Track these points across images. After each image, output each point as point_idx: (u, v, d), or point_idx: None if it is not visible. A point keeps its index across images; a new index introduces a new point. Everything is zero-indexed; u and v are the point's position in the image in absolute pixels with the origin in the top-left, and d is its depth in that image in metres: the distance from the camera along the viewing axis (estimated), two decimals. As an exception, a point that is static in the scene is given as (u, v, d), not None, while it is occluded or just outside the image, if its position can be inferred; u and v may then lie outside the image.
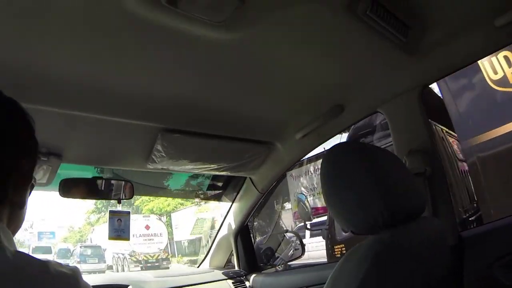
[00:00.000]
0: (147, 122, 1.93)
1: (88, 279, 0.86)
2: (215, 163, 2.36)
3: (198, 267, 3.19)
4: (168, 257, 23.54)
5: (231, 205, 2.92)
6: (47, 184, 2.04)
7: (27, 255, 0.75)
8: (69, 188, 2.12)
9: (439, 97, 5.66)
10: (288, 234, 3.37)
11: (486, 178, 4.48)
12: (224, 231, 2.98)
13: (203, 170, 2.42)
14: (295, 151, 2.46)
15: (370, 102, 2.01)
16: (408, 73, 1.82)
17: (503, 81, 4.33)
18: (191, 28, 1.29)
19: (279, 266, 2.98)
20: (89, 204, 33.93)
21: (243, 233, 2.93)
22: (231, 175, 2.69)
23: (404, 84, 1.85)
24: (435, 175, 1.75)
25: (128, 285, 2.24)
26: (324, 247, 7.73)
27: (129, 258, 21.74)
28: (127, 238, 2.32)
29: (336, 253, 6.71)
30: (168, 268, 19.81)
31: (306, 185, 14.46)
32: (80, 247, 24.25)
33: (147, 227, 23.09)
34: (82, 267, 19.97)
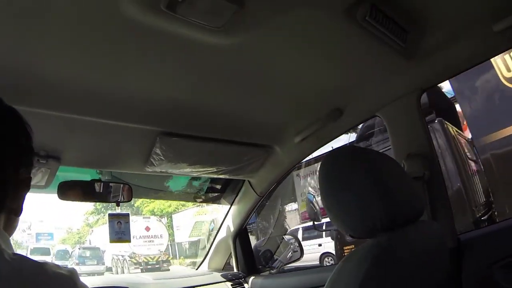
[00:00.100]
0: (145, 126, 1.93)
1: (86, 281, 0.86)
2: (214, 166, 2.36)
3: (197, 269, 3.19)
4: (169, 259, 23.44)
5: (230, 208, 2.92)
6: (45, 187, 2.04)
7: (25, 257, 0.76)
8: (68, 190, 2.12)
9: (447, 97, 5.67)
10: (286, 237, 3.38)
11: (500, 175, 4.50)
12: (222, 234, 2.98)
13: (202, 173, 2.42)
14: (294, 155, 2.47)
15: (369, 106, 2.02)
16: (407, 77, 1.83)
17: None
18: (190, 33, 1.30)
19: (277, 269, 2.98)
20: (88, 205, 33.87)
21: (241, 236, 2.94)
22: (230, 178, 2.68)
23: (402, 88, 1.86)
24: (434, 178, 1.76)
25: (126, 287, 2.24)
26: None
27: (129, 260, 21.64)
28: (128, 240, 2.33)
29: (345, 254, 6.72)
30: (168, 270, 19.74)
31: (314, 185, 14.45)
32: (79, 248, 24.19)
33: (147, 229, 22.94)
34: (81, 269, 19.94)
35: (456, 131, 5.75)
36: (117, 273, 21.40)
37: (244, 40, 1.40)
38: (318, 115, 2.12)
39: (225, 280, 2.72)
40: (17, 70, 1.36)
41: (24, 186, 0.87)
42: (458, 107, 6.21)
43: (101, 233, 23.30)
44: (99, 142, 1.98)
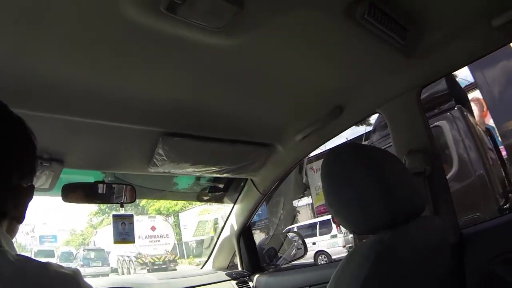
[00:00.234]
0: (148, 127, 1.94)
1: (91, 282, 0.87)
2: (217, 166, 2.37)
3: (201, 268, 3.20)
4: (176, 258, 23.30)
5: (233, 207, 2.93)
6: (49, 189, 2.05)
7: (28, 257, 0.77)
8: (72, 193, 2.13)
9: (460, 86, 5.65)
10: (290, 234, 3.38)
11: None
12: (226, 232, 3.00)
13: (205, 173, 2.43)
14: (296, 153, 2.48)
15: (369, 103, 2.03)
16: (407, 74, 1.84)
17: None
18: (191, 34, 1.30)
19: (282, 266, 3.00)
20: (92, 206, 33.73)
21: (245, 234, 2.95)
22: (233, 177, 2.69)
23: (402, 85, 1.87)
24: (435, 173, 1.77)
25: None
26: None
27: (135, 261, 21.55)
28: (132, 241, 2.34)
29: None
30: (175, 270, 19.69)
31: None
32: (83, 250, 24.18)
33: (153, 228, 22.81)
34: (85, 270, 19.98)
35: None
36: (123, 274, 21.37)
37: (244, 40, 1.40)
38: (319, 114, 2.13)
39: (230, 278, 2.73)
40: (18, 73, 1.37)
41: (28, 194, 0.88)
42: (472, 95, 6.20)
43: (105, 234, 23.16)
44: (102, 144, 1.99)
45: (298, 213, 17.75)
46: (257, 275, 2.80)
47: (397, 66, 1.80)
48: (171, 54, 1.45)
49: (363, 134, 8.03)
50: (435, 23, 1.60)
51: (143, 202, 27.76)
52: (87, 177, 2.36)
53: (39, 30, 1.20)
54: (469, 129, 4.96)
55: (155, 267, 20.97)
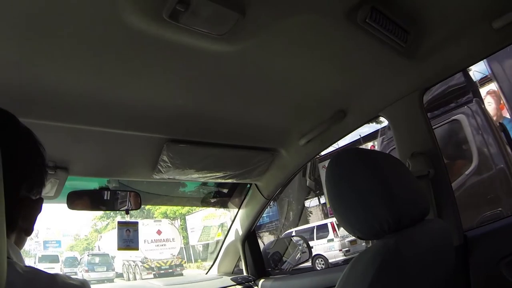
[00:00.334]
0: (152, 134, 1.95)
1: None
2: (221, 171, 2.38)
3: (206, 273, 3.20)
4: (182, 262, 23.10)
5: (238, 211, 2.93)
6: (55, 197, 2.06)
7: (36, 269, 0.77)
8: (77, 200, 2.14)
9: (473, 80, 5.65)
10: (295, 238, 3.38)
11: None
12: (231, 237, 2.99)
13: (209, 179, 2.44)
14: (300, 157, 2.48)
15: (372, 106, 2.03)
16: (409, 77, 1.83)
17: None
18: (193, 41, 1.31)
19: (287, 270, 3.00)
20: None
21: (250, 239, 2.94)
22: (237, 182, 2.70)
23: (405, 88, 1.86)
24: (438, 176, 1.76)
25: None
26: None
27: (141, 265, 21.40)
28: (136, 248, 2.34)
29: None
30: (182, 274, 19.57)
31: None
32: (88, 255, 24.09)
33: (159, 232, 22.56)
34: (90, 275, 19.92)
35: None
36: (129, 279, 21.29)
37: (246, 46, 1.41)
38: (322, 118, 2.13)
39: (235, 283, 2.73)
40: (23, 83, 1.38)
41: (36, 207, 0.89)
42: (487, 88, 6.18)
43: (110, 239, 23.02)
44: (106, 152, 2.00)
45: (310, 214, 17.71)
46: (262, 280, 2.79)
47: (399, 69, 1.81)
48: (174, 61, 1.45)
49: (378, 129, 7.99)
50: (436, 26, 1.60)
51: (149, 205, 27.61)
52: (91, 183, 2.36)
53: (44, 40, 1.22)
54: (488, 122, 4.92)
55: (161, 271, 20.77)
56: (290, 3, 1.29)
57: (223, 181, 2.55)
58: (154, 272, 20.74)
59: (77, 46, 1.28)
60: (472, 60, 1.79)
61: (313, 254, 14.40)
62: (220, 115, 1.96)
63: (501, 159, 4.76)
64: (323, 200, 17.48)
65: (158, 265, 21.25)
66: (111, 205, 2.28)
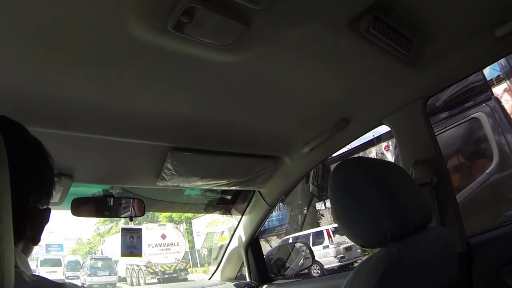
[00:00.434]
0: (156, 142, 1.96)
1: None
2: (225, 179, 2.39)
3: (209, 279, 3.20)
4: (187, 267, 22.92)
5: (241, 218, 2.93)
6: (59, 204, 2.07)
7: (43, 278, 0.77)
8: (81, 207, 2.15)
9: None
10: (298, 244, 3.38)
11: None
12: (234, 244, 3.00)
13: (213, 186, 2.44)
14: (303, 165, 2.48)
15: (375, 114, 2.03)
16: (412, 85, 1.84)
17: None
18: (198, 51, 1.32)
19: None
20: (99, 215, 33.62)
21: (253, 245, 2.94)
22: (241, 189, 2.70)
23: (408, 96, 1.87)
24: (441, 183, 1.76)
25: None
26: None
27: (145, 270, 21.24)
28: (140, 255, 2.35)
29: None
30: (186, 279, 19.45)
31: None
32: (90, 259, 23.96)
33: (163, 236, 22.29)
34: (92, 279, 19.82)
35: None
36: (132, 283, 21.17)
37: (250, 56, 1.42)
38: (326, 126, 2.14)
39: None
40: (29, 92, 1.40)
41: (44, 216, 0.89)
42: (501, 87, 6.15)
43: (113, 243, 22.91)
44: (111, 159, 2.01)
45: (321, 217, 17.62)
46: (265, 286, 2.80)
47: (402, 77, 1.81)
48: (179, 71, 1.47)
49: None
50: (439, 34, 1.61)
51: (154, 208, 27.39)
52: (95, 189, 2.37)
53: (50, 51, 1.23)
54: (508, 119, 4.89)
55: (166, 276, 20.57)
56: (293, 14, 1.30)
57: (227, 188, 2.56)
58: (158, 277, 20.54)
59: (83, 57, 1.29)
60: (475, 68, 1.79)
61: (312, 260, 14.46)
62: (224, 123, 1.97)
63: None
64: (329, 204, 17.37)
65: (162, 270, 21.03)
66: (114, 212, 2.28)
